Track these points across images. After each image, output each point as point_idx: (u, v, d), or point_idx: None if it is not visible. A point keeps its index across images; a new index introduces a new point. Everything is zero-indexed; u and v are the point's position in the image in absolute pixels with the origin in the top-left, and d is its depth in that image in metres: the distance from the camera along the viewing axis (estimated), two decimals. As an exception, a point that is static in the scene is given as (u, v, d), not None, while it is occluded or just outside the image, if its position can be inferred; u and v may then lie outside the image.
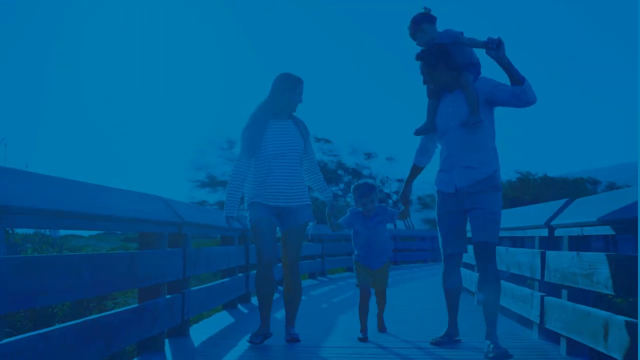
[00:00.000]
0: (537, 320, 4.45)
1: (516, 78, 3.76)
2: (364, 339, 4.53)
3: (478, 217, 3.97)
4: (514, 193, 31.63)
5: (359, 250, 4.76)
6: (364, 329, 4.62)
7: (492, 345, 3.87)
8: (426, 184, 33.09)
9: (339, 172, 34.25)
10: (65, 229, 2.85)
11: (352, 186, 4.69)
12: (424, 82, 4.09)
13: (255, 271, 4.63)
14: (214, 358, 3.96)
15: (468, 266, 7.19)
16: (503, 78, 3.91)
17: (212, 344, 4.52)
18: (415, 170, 4.46)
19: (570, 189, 31.61)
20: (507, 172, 35.33)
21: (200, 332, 4.90)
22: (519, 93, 3.77)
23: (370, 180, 4.79)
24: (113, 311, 3.35)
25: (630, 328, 2.96)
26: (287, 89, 4.39)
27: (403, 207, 4.67)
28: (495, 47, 3.69)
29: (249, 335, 4.40)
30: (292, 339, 4.43)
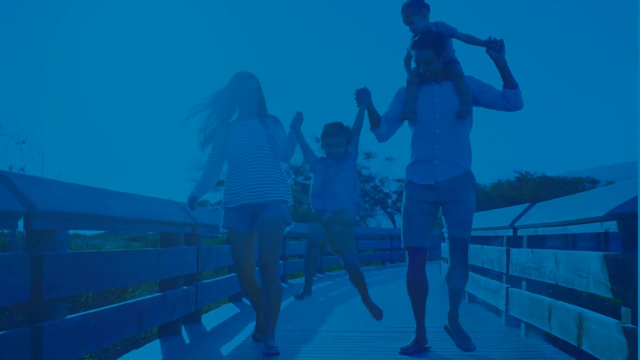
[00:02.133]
0: (504, 309, 5.16)
1: (511, 81, 3.78)
2: (300, 297, 4.25)
3: (457, 212, 3.93)
4: (512, 193, 31.90)
5: (312, 194, 4.10)
6: (307, 285, 4.25)
7: (455, 327, 4.06)
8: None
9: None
10: (110, 230, 3.54)
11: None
12: (422, 70, 3.91)
13: (257, 268, 4.48)
14: (225, 339, 4.63)
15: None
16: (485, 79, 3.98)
17: (222, 328, 5.21)
18: (376, 120, 3.99)
19: (569, 188, 31.88)
20: (506, 172, 35.58)
21: (210, 320, 5.60)
22: (510, 96, 3.79)
23: (346, 125, 4.06)
24: (144, 297, 4.06)
25: (566, 310, 3.64)
26: (237, 89, 4.19)
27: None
28: (498, 48, 3.71)
29: (254, 331, 4.51)
30: (272, 352, 3.96)
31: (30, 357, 2.64)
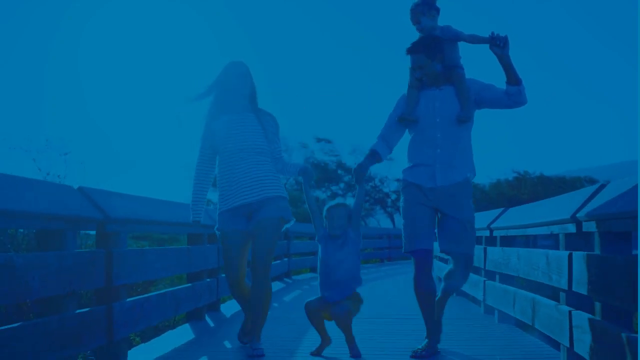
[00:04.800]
0: (482, 299, 6.00)
1: (514, 78, 3.76)
2: (316, 353, 4.09)
3: (453, 228, 3.91)
4: (511, 192, 32.52)
5: (319, 279, 4.08)
6: (323, 340, 4.15)
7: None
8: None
9: (339, 172, 35.39)
10: (154, 232, 4.36)
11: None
12: (418, 76, 3.89)
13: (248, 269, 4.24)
14: (239, 325, 5.45)
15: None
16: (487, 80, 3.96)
17: (239, 315, 6.02)
18: (374, 157, 4.12)
19: (568, 188, 32.38)
20: (505, 172, 36.20)
21: (228, 308, 6.44)
22: (513, 92, 3.76)
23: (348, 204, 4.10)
24: (179, 287, 4.89)
25: (524, 296, 4.46)
26: (230, 78, 4.01)
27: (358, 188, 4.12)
28: (502, 45, 3.68)
29: (239, 332, 4.27)
30: (257, 354, 3.87)
31: (106, 328, 3.47)
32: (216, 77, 4.04)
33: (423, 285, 3.94)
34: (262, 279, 3.93)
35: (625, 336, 2.67)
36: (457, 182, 3.91)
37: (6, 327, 2.66)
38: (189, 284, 5.18)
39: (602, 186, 3.45)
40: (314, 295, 4.17)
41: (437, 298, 4.04)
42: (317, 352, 4.08)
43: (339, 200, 4.20)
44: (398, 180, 34.41)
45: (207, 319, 5.69)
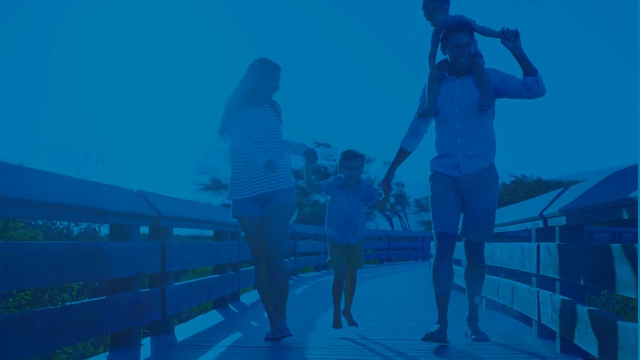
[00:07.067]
0: (472, 289, 6.77)
1: (529, 69, 3.80)
2: (338, 326, 4.66)
3: (475, 216, 4.05)
4: (508, 196, 33.13)
5: (334, 223, 4.49)
6: (337, 314, 4.71)
7: (470, 330, 4.39)
8: (424, 186, 35.02)
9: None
10: (195, 229, 5.15)
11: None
12: (465, 53, 3.93)
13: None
14: (259, 312, 6.23)
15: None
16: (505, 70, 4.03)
17: (258, 304, 6.82)
18: (402, 154, 4.28)
19: (564, 191, 32.71)
20: (502, 175, 36.74)
21: (247, 298, 7.23)
22: (530, 83, 3.81)
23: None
24: (209, 277, 5.67)
25: (505, 283, 5.24)
26: (264, 76, 4.19)
27: (383, 196, 4.49)
28: (513, 39, 3.75)
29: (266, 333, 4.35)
30: (284, 335, 4.18)
31: (160, 305, 4.25)
32: (253, 72, 4.19)
33: (440, 276, 4.15)
34: (277, 263, 4.14)
35: (575, 306, 3.44)
36: (482, 168, 4.02)
37: (95, 299, 3.45)
38: (217, 275, 5.96)
39: (566, 188, 4.22)
40: (321, 290, 4.95)
41: (466, 316, 4.40)
42: (338, 324, 4.68)
43: (349, 151, 4.48)
44: (397, 184, 35.14)
45: (231, 306, 6.46)
